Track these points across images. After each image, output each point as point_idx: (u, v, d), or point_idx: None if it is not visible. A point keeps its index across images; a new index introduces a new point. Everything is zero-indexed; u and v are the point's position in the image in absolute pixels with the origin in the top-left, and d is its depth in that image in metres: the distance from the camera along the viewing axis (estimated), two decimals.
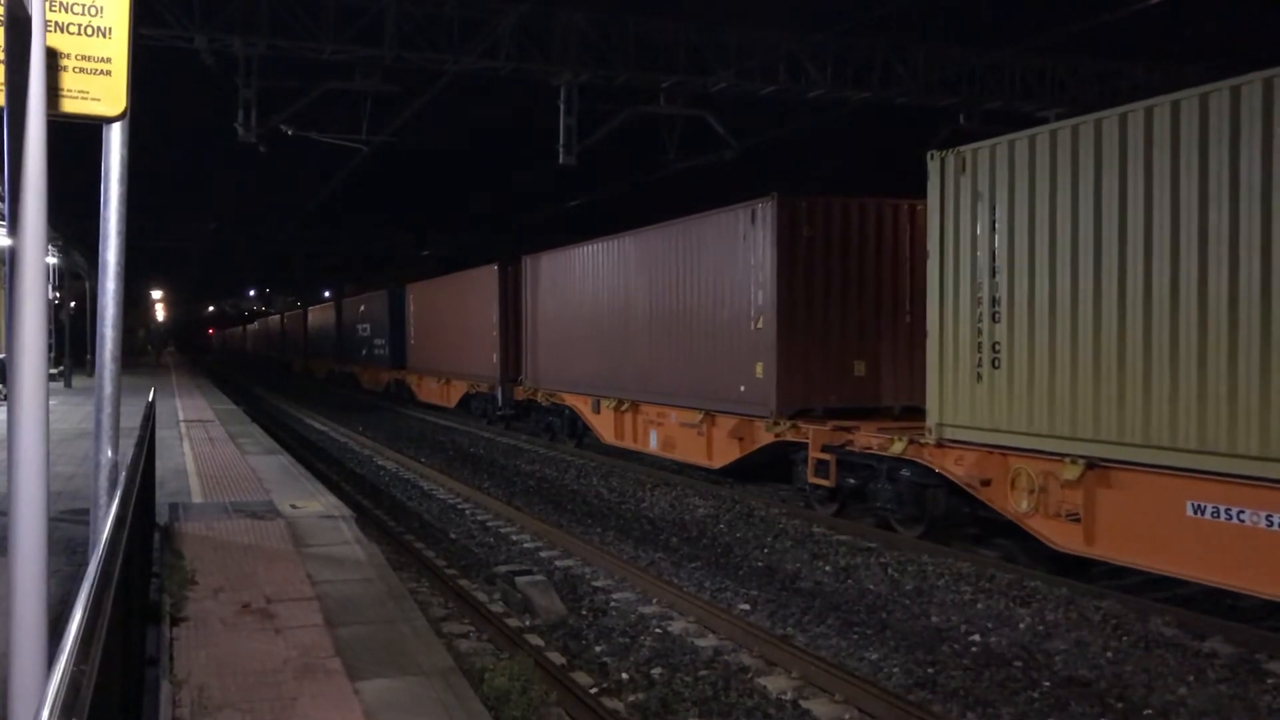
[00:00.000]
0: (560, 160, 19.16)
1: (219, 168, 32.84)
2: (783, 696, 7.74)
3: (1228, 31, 18.34)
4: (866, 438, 13.38)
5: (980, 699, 7.72)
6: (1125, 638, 9.00)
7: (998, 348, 11.13)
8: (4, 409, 3.85)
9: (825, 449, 13.95)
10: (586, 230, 23.10)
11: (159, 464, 12.11)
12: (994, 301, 11.22)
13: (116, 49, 4.38)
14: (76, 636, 2.32)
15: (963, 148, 11.73)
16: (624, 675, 8.25)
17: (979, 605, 10.09)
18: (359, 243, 53.47)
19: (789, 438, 14.87)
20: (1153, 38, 19.41)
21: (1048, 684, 8.02)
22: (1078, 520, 10.23)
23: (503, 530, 14.13)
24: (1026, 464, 10.86)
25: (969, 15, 19.80)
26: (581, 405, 22.02)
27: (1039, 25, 19.08)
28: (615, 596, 10.57)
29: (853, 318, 15.26)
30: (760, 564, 12.07)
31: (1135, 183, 9.67)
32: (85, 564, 4.17)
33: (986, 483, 11.34)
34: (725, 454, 16.64)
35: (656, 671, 8.31)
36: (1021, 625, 9.45)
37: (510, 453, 22.89)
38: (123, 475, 4.79)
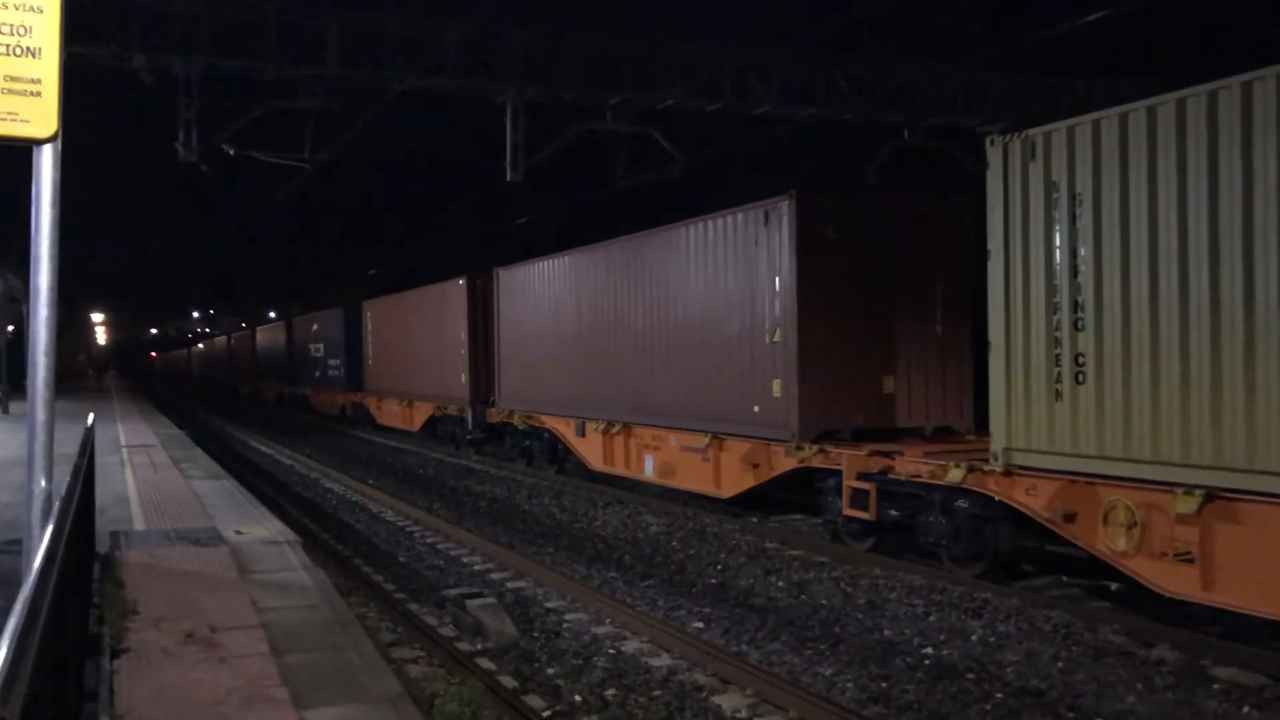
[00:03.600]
0: (508, 177, 19.09)
1: (160, 188, 32.31)
2: (737, 715, 7.72)
3: (1168, 46, 18.72)
4: (913, 464, 11.99)
5: (934, 712, 7.75)
6: (1075, 647, 9.09)
7: (1082, 360, 9.67)
8: None
9: (863, 477, 12.48)
10: (538, 248, 22.89)
11: (100, 491, 11.86)
12: (1076, 306, 9.73)
13: (47, 70, 4.29)
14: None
15: (1031, 130, 10.33)
16: (577, 697, 8.18)
17: (931, 618, 10.14)
18: (304, 262, 52.95)
19: (815, 464, 13.39)
20: (1093, 53, 19.76)
21: (1000, 695, 8.06)
22: (1191, 561, 8.81)
23: (453, 552, 13.99)
24: (1124, 495, 9.39)
25: (913, 32, 20.04)
26: (563, 428, 20.56)
27: (979, 41, 19.35)
28: (568, 617, 10.49)
29: (881, 329, 13.90)
30: (714, 581, 12.05)
31: (1266, 161, 8.26)
32: (17, 597, 4.04)
33: (1070, 517, 9.88)
34: (736, 482, 15.11)
35: (610, 693, 8.25)
36: (974, 637, 9.50)
37: (460, 473, 22.71)
38: (58, 504, 4.67)
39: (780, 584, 11.73)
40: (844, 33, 18.72)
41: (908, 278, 14.00)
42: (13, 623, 2.68)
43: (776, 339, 13.92)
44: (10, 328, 42.09)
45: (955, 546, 11.47)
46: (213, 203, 35.48)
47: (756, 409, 14.30)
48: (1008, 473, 10.55)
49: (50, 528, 4.18)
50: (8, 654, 2.34)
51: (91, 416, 12.52)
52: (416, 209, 38.84)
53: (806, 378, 13.53)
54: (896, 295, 13.98)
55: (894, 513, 12.16)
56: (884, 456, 12.53)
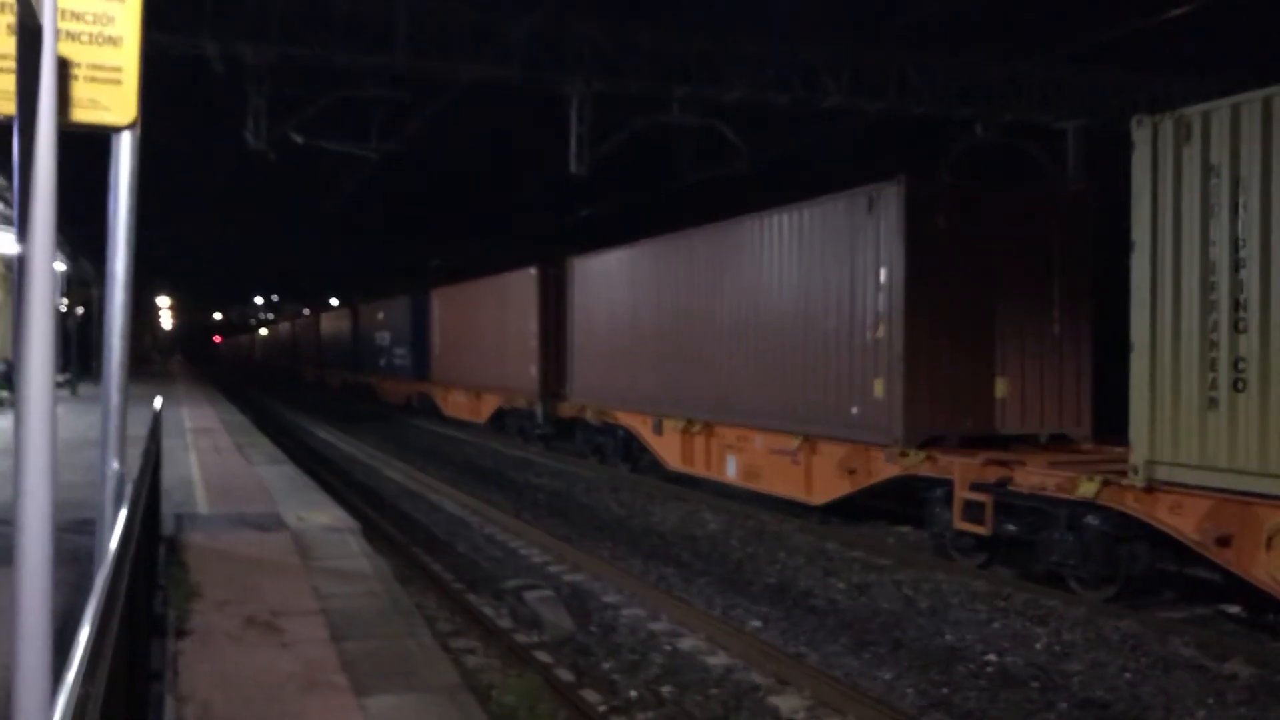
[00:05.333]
0: (572, 170, 19.09)
1: (228, 175, 32.83)
2: (795, 716, 7.64)
3: (1251, 42, 18.22)
4: (1037, 475, 11.06)
5: None
6: (1144, 659, 8.88)
7: (1242, 365, 8.74)
8: (11, 417, 3.78)
9: (977, 488, 11.56)
10: (600, 241, 22.66)
11: (165, 474, 12.04)
12: (1237, 305, 8.78)
13: (127, 58, 4.34)
14: (83, 655, 2.28)
15: (1186, 110, 9.40)
16: (633, 693, 8.15)
17: (995, 624, 9.96)
18: (368, 250, 53.45)
19: (922, 472, 12.50)
20: (1174, 49, 19.30)
21: (1064, 705, 7.91)
22: None
23: (511, 544, 14.03)
24: None
25: (987, 26, 19.73)
26: (639, 425, 19.59)
27: (1057, 36, 19.02)
28: (624, 612, 10.46)
29: (992, 327, 12.98)
30: (772, 581, 11.95)
31: None
32: (90, 575, 4.11)
33: (1224, 540, 8.98)
34: (829, 488, 14.15)
35: (666, 689, 8.21)
36: (1038, 645, 9.32)
37: (519, 465, 22.78)
38: (129, 487, 4.71)
39: (840, 585, 11.60)
40: (916, 26, 18.48)
41: (1022, 272, 13.14)
42: (93, 602, 2.71)
43: (879, 335, 13.01)
44: (80, 310, 43.03)
45: (1082, 567, 10.54)
46: (279, 190, 35.91)
47: (855, 410, 13.43)
48: (1149, 489, 9.64)
49: (124, 510, 4.22)
50: (91, 633, 2.38)
51: (159, 400, 12.71)
52: (480, 200, 39.04)
53: (913, 378, 12.62)
54: (1010, 291, 13.08)
55: (1011, 528, 11.25)
56: (1001, 466, 11.60)
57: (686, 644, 9.39)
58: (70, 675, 2.16)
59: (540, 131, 22.92)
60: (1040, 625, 9.85)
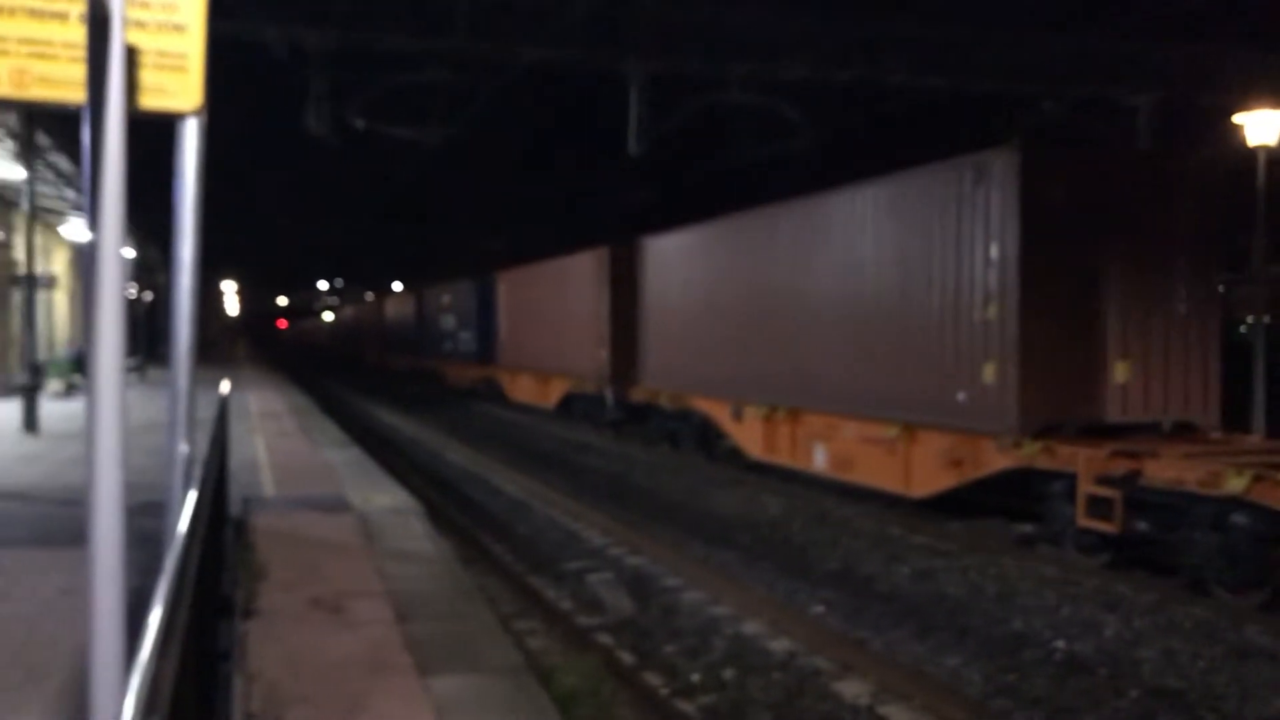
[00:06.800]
0: (631, 150, 19.02)
1: (291, 160, 33.27)
2: (859, 702, 7.57)
3: None
4: (1173, 469, 10.27)
5: (1064, 707, 7.50)
6: (1217, 646, 8.68)
7: None
8: (82, 401, 3.83)
9: (1104, 481, 10.69)
10: (664, 221, 22.44)
11: (232, 457, 12.23)
12: None
13: (192, 44, 4.38)
14: (156, 634, 2.32)
15: None
16: (695, 676, 8.13)
17: (1063, 611, 9.79)
18: (431, 234, 53.88)
19: (1039, 464, 11.58)
20: (1247, 21, 18.72)
21: (1135, 693, 7.75)
22: None
23: (571, 526, 14.07)
24: None
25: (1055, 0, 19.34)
26: (717, 411, 18.71)
27: (1125, 8, 18.56)
28: (685, 596, 10.44)
29: (1114, 307, 12.01)
30: (835, 566, 11.86)
31: None
32: (160, 556, 4.16)
33: None
34: (931, 480, 13.21)
35: (728, 674, 8.18)
36: (1108, 632, 9.15)
37: (579, 449, 22.84)
38: (197, 469, 4.77)
39: (905, 571, 11.47)
40: (981, 1, 18.14)
41: (1146, 248, 12.17)
42: (165, 582, 2.74)
43: (990, 316, 12.03)
44: (148, 296, 43.89)
45: (1227, 571, 9.74)
46: (342, 175, 36.29)
47: (961, 397, 12.43)
48: None
49: (194, 491, 4.27)
50: (163, 613, 2.41)
51: (226, 384, 12.91)
52: (540, 182, 39.16)
53: (1028, 361, 11.62)
54: (1132, 267, 12.08)
55: (1143, 526, 10.44)
56: (1130, 457, 10.74)
57: (748, 629, 9.34)
58: (143, 654, 2.20)
59: (599, 112, 22.89)
60: (1110, 612, 9.66)
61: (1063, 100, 19.92)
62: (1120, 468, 10.70)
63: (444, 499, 16.23)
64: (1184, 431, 12.11)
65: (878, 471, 14.13)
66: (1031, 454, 11.59)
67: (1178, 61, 19.90)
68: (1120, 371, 12.00)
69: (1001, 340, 11.88)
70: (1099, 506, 10.68)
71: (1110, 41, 19.44)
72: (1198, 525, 9.98)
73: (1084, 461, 10.91)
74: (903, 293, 13.50)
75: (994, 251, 11.99)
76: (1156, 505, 10.36)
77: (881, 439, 13.93)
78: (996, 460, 12.13)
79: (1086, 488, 10.82)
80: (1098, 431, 11.68)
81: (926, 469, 13.27)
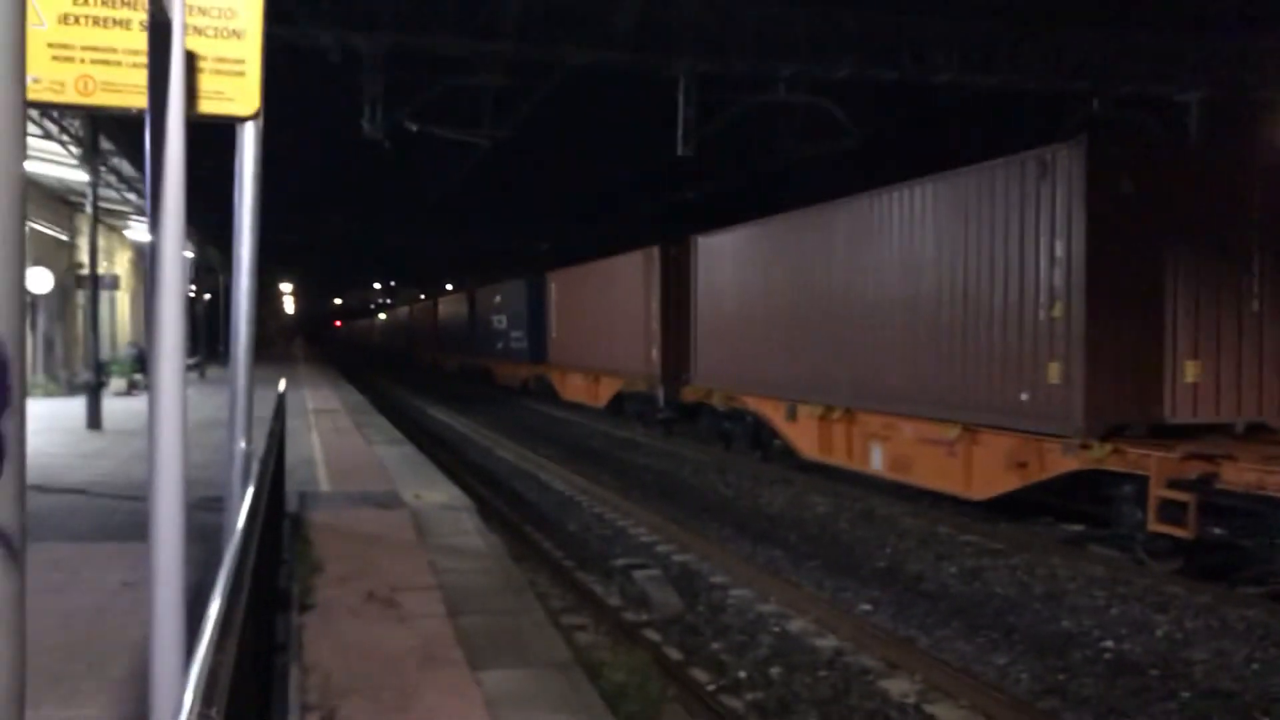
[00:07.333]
0: (679, 151, 19.08)
1: (345, 163, 33.68)
2: (905, 700, 7.57)
3: None
4: (1253, 472, 9.87)
5: (1114, 708, 7.45)
6: (1272, 648, 8.56)
7: None
8: (145, 399, 3.95)
9: (1177, 485, 10.33)
10: (707, 222, 22.51)
11: (289, 453, 12.47)
12: None
13: (250, 50, 4.48)
14: (215, 627, 2.38)
15: None
16: (742, 673, 8.17)
17: (1113, 611, 9.71)
18: (479, 236, 54.22)
19: (1108, 466, 11.21)
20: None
21: (1186, 695, 7.68)
22: None
23: (619, 523, 14.16)
24: None
25: None
26: (770, 411, 18.55)
27: (1173, 3, 18.28)
28: (732, 593, 10.49)
29: (1183, 304, 11.66)
30: (882, 564, 11.84)
31: None
32: (219, 550, 4.28)
33: None
34: (993, 482, 12.90)
35: (775, 671, 8.22)
36: (1159, 632, 9.06)
37: (626, 446, 22.94)
38: (255, 465, 4.90)
39: (952, 570, 11.43)
40: None
41: (1217, 242, 11.74)
42: (224, 575, 2.84)
43: (1055, 314, 11.72)
44: (207, 296, 44.63)
45: None
46: (395, 177, 36.65)
47: (1024, 397, 12.14)
48: None
49: (252, 487, 4.39)
50: (222, 606, 2.48)
51: (283, 383, 13.16)
52: (588, 183, 39.30)
53: (1095, 361, 11.30)
54: (1202, 263, 11.68)
55: (1219, 531, 10.08)
56: (1205, 460, 10.38)
57: (795, 626, 9.37)
58: (203, 645, 2.26)
59: (647, 113, 22.95)
60: (1161, 612, 9.56)
61: (1111, 97, 19.65)
62: (1195, 471, 10.35)
63: (494, 495, 16.40)
64: (1258, 433, 11.69)
65: (937, 473, 13.89)
66: (1101, 456, 11.23)
67: (1227, 56, 19.56)
68: (1190, 371, 11.61)
69: (1067, 339, 11.59)
70: (1172, 511, 10.31)
71: (1159, 37, 19.16)
72: (1278, 531, 9.66)
73: (1156, 464, 10.58)
74: (963, 291, 13.31)
75: (1059, 248, 11.69)
76: (1234, 510, 10.00)
77: (941, 440, 13.66)
78: (1063, 462, 11.79)
79: (1159, 491, 10.46)
80: (1166, 432, 11.34)
81: (988, 471, 12.99)
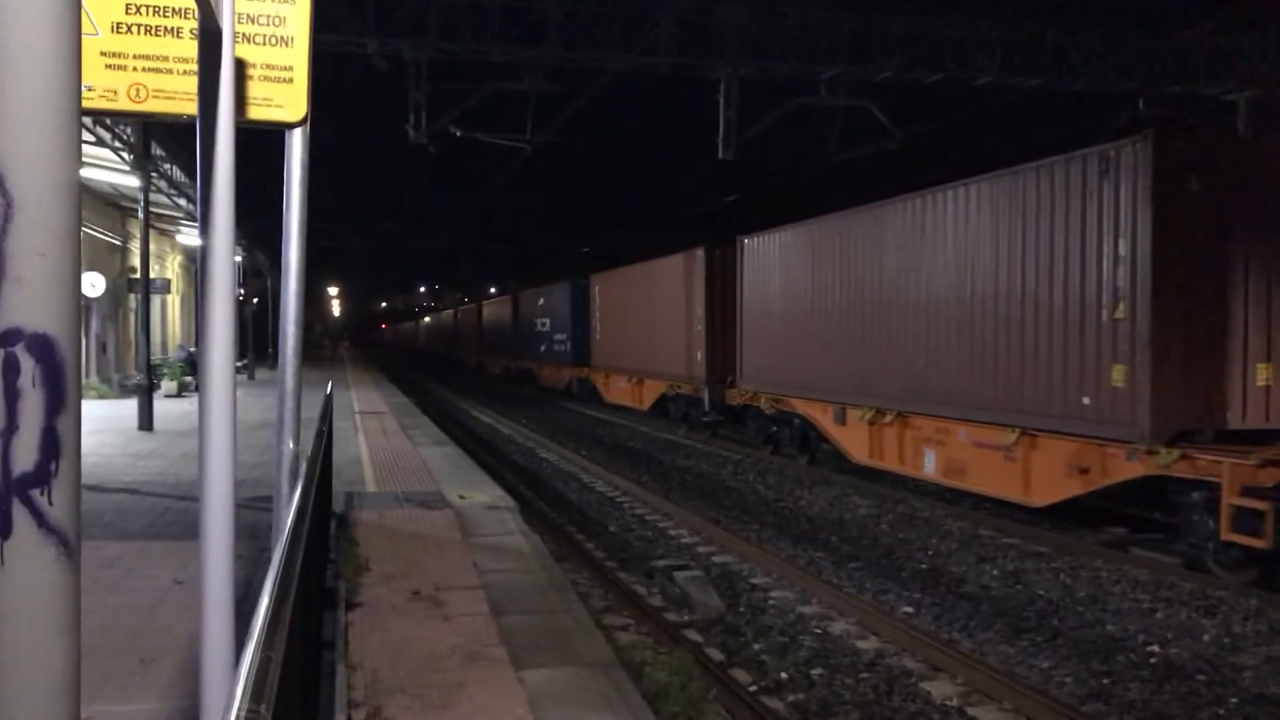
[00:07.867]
0: (720, 154, 19.10)
1: (391, 168, 34.09)
2: (948, 703, 7.55)
3: None
4: None
5: (1160, 713, 7.38)
6: None
7: None
8: (195, 400, 4.04)
9: (1253, 493, 9.96)
10: (748, 225, 22.49)
11: (335, 454, 12.63)
12: None
13: (298, 57, 4.56)
14: (264, 624, 2.43)
15: None
16: (783, 674, 8.19)
17: (1158, 614, 9.61)
18: (523, 239, 54.57)
19: (1176, 472, 10.84)
20: None
21: (1235, 700, 7.59)
22: None
23: (660, 524, 14.20)
24: None
25: None
26: (818, 414, 18.29)
27: (1221, 3, 18.05)
28: (773, 594, 10.50)
29: (1253, 304, 11.24)
30: (924, 566, 11.79)
31: None
32: (268, 549, 4.35)
33: None
34: (1054, 489, 12.56)
35: (816, 672, 8.22)
36: (1206, 637, 8.96)
37: (667, 448, 22.96)
38: (303, 466, 4.99)
39: (994, 572, 11.36)
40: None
41: None
42: (272, 574, 2.91)
43: (1119, 315, 11.39)
44: (255, 300, 45.21)
45: None
46: (439, 181, 36.99)
47: (1086, 400, 11.82)
48: None
49: (300, 487, 4.47)
50: (270, 603, 2.54)
51: (330, 384, 13.34)
52: (632, 186, 39.43)
53: (1162, 364, 10.98)
54: (1275, 263, 11.31)
55: None
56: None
57: (836, 628, 9.37)
58: (252, 642, 2.32)
59: (689, 116, 23.00)
60: (1208, 617, 9.45)
61: (1155, 99, 19.40)
62: (1271, 478, 10.03)
63: (537, 496, 16.49)
64: None
65: (994, 478, 13.58)
66: (1168, 462, 10.86)
67: (1275, 55, 19.26)
68: (1262, 374, 11.24)
69: (1131, 341, 11.28)
70: (1247, 520, 9.95)
71: (1206, 36, 18.91)
72: None
73: (1229, 471, 10.22)
74: (1021, 291, 13.02)
75: (1122, 247, 11.36)
76: None
77: (998, 445, 13.35)
78: (1127, 468, 11.46)
79: (1232, 499, 10.12)
80: (1235, 438, 10.95)
81: (1048, 476, 12.65)
